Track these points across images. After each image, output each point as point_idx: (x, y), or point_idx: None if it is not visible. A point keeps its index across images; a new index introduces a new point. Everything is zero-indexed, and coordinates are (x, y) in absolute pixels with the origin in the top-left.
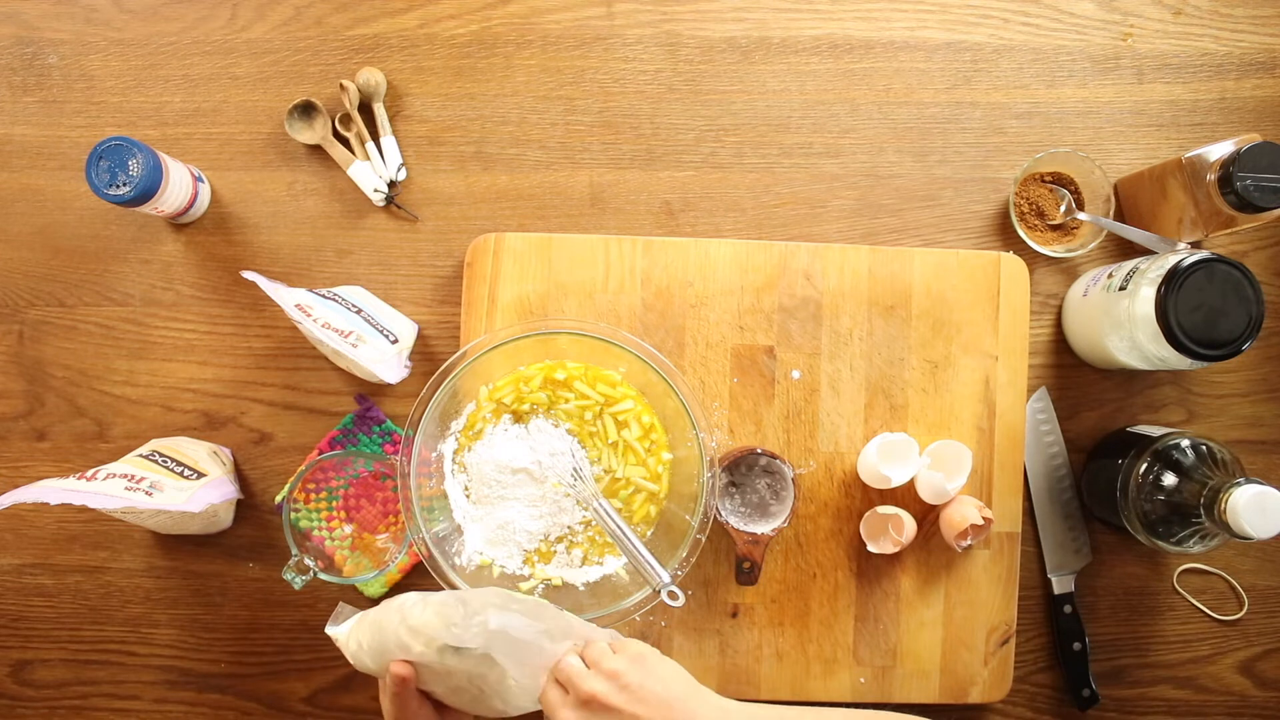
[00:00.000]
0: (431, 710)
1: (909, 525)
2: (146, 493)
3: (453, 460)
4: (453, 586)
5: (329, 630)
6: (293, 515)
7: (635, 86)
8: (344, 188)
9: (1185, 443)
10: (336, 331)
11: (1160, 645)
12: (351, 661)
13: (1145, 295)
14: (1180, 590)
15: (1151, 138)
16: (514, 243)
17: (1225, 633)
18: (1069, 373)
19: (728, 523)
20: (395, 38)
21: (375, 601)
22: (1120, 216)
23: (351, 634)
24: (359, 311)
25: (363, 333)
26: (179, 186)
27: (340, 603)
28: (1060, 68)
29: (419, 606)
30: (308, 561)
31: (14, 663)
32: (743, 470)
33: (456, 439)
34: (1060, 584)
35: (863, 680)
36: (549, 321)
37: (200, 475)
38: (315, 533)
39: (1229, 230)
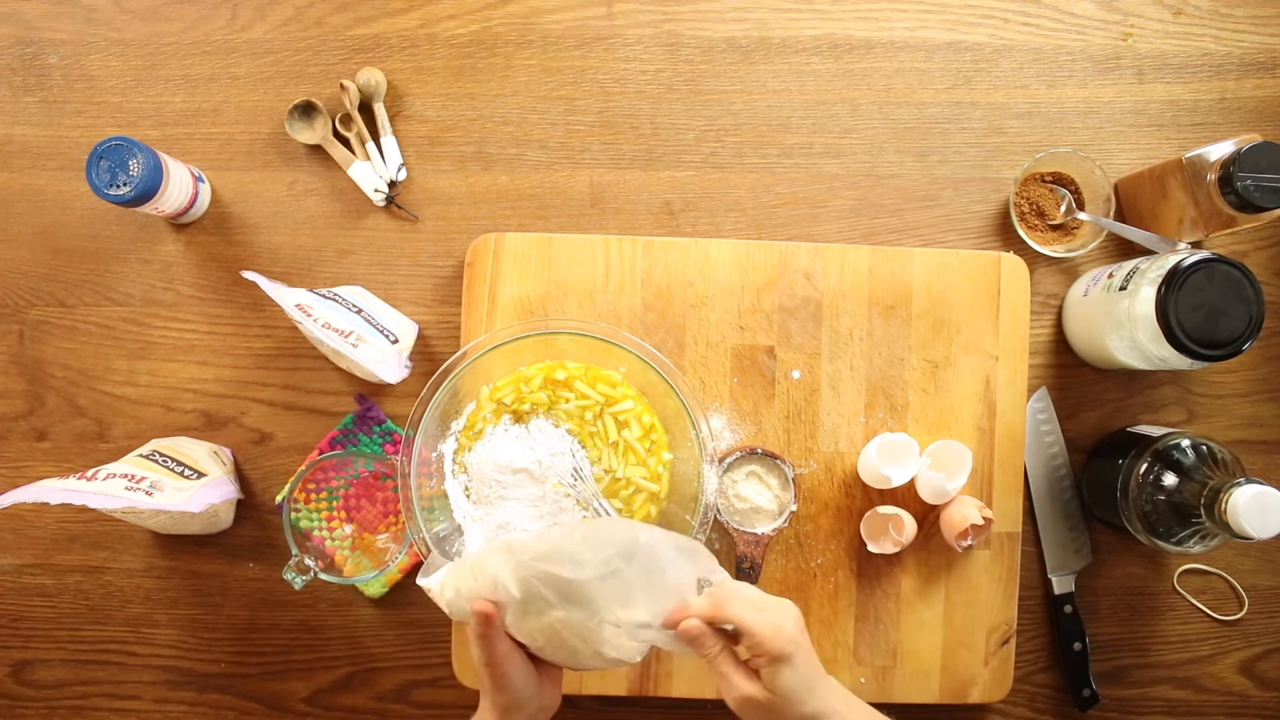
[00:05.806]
0: (523, 659)
1: (909, 525)
2: (147, 493)
3: (453, 460)
4: None
5: (421, 582)
6: (293, 515)
7: (635, 86)
8: (344, 188)
9: (1185, 443)
10: (336, 331)
11: (1160, 645)
12: (447, 611)
13: (1145, 295)
14: (1180, 590)
15: (1151, 138)
16: (514, 243)
17: (1225, 633)
18: (1069, 373)
19: (728, 523)
20: (395, 38)
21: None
22: (1120, 216)
23: (447, 582)
24: (359, 311)
25: (363, 333)
26: (179, 186)
27: (432, 552)
28: (1060, 68)
29: (531, 539)
30: (308, 561)
31: (14, 663)
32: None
33: (457, 439)
34: (1060, 584)
35: (863, 680)
36: (549, 321)
37: (200, 475)
38: (315, 533)
39: (1229, 230)
